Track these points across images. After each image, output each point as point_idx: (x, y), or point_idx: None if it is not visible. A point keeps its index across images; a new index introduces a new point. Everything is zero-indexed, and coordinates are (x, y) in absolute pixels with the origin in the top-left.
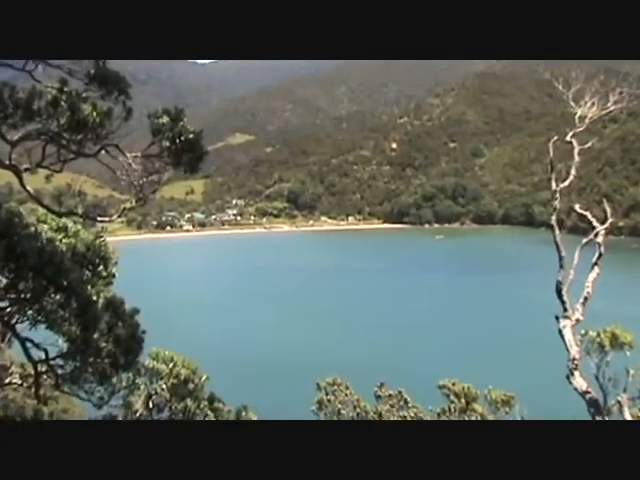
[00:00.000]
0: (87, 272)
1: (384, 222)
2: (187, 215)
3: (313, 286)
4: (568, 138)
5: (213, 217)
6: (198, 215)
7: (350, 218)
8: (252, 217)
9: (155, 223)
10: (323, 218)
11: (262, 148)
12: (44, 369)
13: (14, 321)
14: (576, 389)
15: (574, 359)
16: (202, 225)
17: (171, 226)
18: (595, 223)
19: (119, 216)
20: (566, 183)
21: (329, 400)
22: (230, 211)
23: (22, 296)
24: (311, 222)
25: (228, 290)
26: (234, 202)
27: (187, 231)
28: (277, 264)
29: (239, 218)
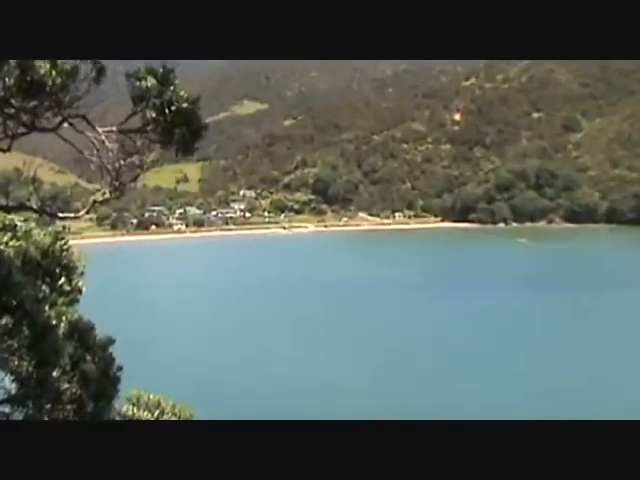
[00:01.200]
0: (43, 286)
1: (442, 220)
2: (179, 211)
3: (346, 308)
4: None
5: (213, 214)
6: (193, 211)
7: (397, 215)
8: (266, 214)
9: (135, 221)
10: (361, 215)
11: (279, 121)
12: None
13: None
14: None
15: None
16: (199, 224)
17: (157, 225)
18: None
19: (87, 212)
20: None
21: None
22: (236, 205)
23: None
24: (344, 220)
25: (232, 312)
26: (242, 193)
27: (179, 232)
28: (298, 277)
29: (248, 215)
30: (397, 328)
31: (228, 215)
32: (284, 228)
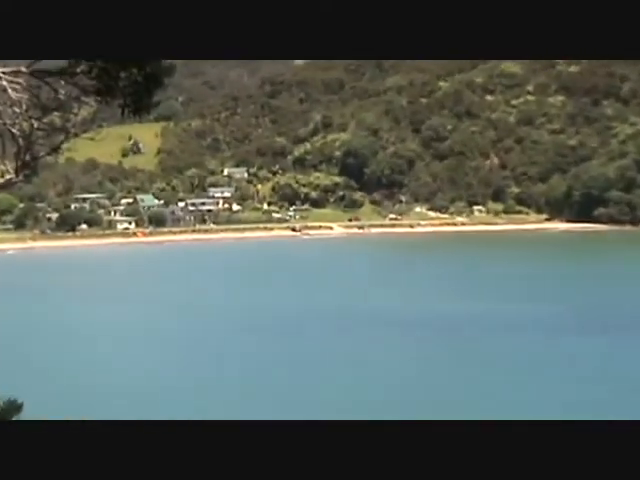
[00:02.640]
0: None
1: (550, 218)
2: (125, 201)
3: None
4: None
5: (181, 206)
6: (149, 201)
7: (477, 210)
8: (265, 206)
9: (55, 217)
10: (418, 209)
11: None
12: None
13: None
14: None
15: None
16: (158, 223)
17: (90, 224)
18: None
19: None
20: None
21: None
22: (218, 193)
23: None
24: (391, 218)
25: (204, 379)
26: (226, 173)
27: (125, 235)
28: (325, 312)
29: (237, 208)
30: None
31: (205, 208)
32: (294, 230)
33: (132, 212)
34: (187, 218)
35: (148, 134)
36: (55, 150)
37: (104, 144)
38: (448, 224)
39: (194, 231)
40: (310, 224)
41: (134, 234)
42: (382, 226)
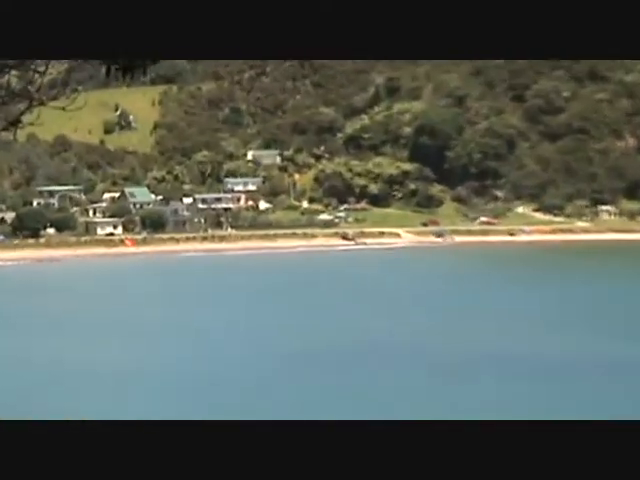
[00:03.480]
0: None
1: None
2: (109, 195)
3: None
4: None
5: (187, 202)
6: (142, 196)
7: (605, 211)
8: (305, 204)
9: (11, 217)
10: (521, 210)
11: None
12: None
13: None
14: None
15: None
16: (153, 226)
17: (59, 228)
18: None
19: None
20: None
21: None
22: (240, 185)
23: None
24: (482, 221)
25: None
26: (250, 156)
27: (110, 243)
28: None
29: (266, 207)
30: None
31: (220, 206)
32: (345, 238)
33: (118, 211)
34: (195, 220)
35: (142, 102)
36: (12, 124)
37: (80, 116)
38: (563, 231)
39: (205, 239)
40: (368, 230)
41: (121, 242)
42: (470, 233)
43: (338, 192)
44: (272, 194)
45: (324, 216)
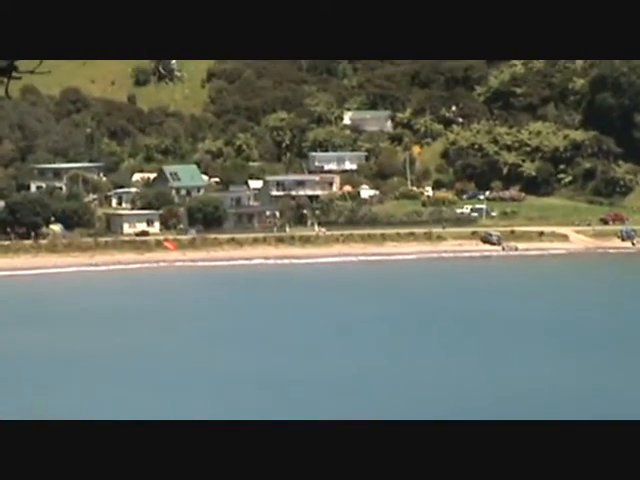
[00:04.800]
0: None
1: None
2: (140, 176)
3: None
4: None
5: (256, 187)
6: (187, 177)
7: None
8: (429, 190)
9: (1, 207)
10: None
11: None
12: None
13: None
14: None
15: None
16: (209, 222)
17: (68, 224)
18: None
19: None
20: None
21: None
22: (333, 161)
23: None
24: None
25: None
26: (347, 120)
27: (143, 247)
28: None
29: (372, 193)
30: None
31: (304, 193)
32: (488, 242)
33: (155, 200)
34: (268, 214)
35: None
36: (2, 72)
37: (99, 61)
38: None
39: (281, 241)
40: (521, 229)
41: (158, 245)
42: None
43: (477, 174)
44: (380, 176)
45: (457, 209)
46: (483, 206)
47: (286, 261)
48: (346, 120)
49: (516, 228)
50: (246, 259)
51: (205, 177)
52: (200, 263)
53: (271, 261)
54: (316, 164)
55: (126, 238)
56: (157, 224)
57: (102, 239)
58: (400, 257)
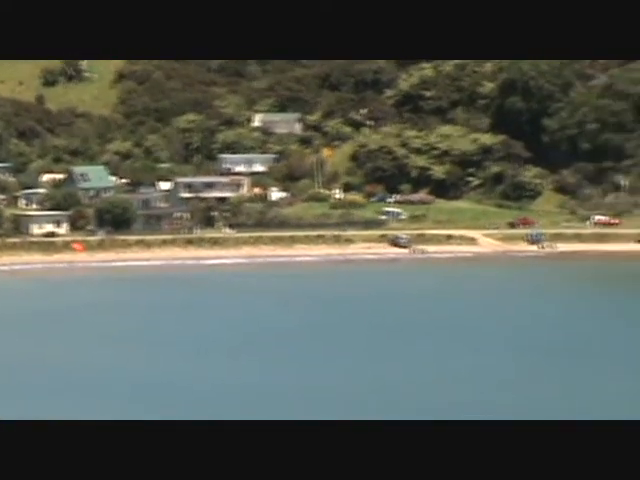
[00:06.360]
0: None
1: None
2: (49, 177)
3: None
4: None
5: (165, 189)
6: (96, 178)
7: None
8: (338, 193)
9: None
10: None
11: None
12: None
13: None
14: None
15: None
16: (118, 223)
17: None
18: None
19: None
20: None
21: None
22: (242, 163)
23: None
24: (598, 221)
25: None
26: (257, 122)
27: (51, 248)
28: None
29: (281, 195)
30: None
31: (213, 195)
32: (397, 245)
33: (63, 201)
34: (176, 215)
35: None
36: None
37: (7, 62)
38: None
39: (190, 243)
40: (430, 232)
41: (66, 246)
42: (580, 239)
43: (386, 177)
44: (289, 178)
45: (365, 212)
46: (392, 209)
47: (193, 262)
48: (256, 122)
49: (425, 231)
50: (152, 262)
51: (114, 178)
52: (108, 264)
53: (178, 262)
54: (225, 166)
55: (34, 239)
56: (65, 225)
57: (9, 240)
58: (308, 259)
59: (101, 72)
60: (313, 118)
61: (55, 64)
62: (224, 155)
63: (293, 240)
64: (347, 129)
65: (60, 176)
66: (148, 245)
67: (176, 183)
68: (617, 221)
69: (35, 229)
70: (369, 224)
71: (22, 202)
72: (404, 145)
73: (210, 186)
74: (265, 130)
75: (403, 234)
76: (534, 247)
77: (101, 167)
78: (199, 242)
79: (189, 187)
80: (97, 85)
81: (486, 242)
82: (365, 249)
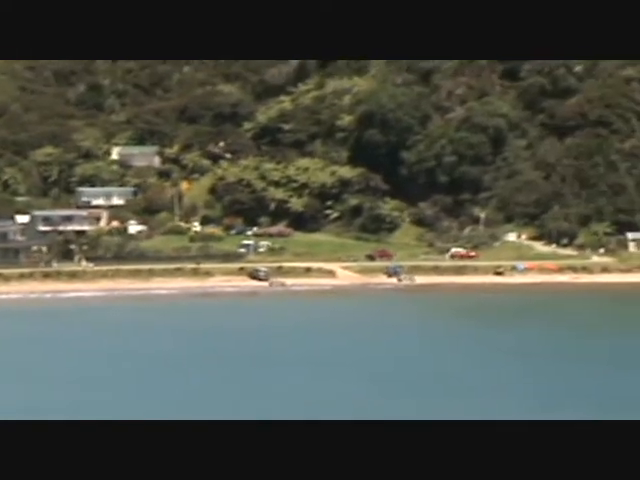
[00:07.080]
0: None
1: None
2: None
3: None
4: None
5: (22, 222)
6: None
7: (635, 242)
8: (197, 226)
9: None
10: (512, 238)
11: None
12: None
13: None
14: None
15: None
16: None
17: None
18: None
19: None
20: None
21: None
22: (100, 196)
23: None
24: (454, 253)
25: None
26: (115, 155)
27: None
28: None
29: (139, 229)
30: None
31: (71, 228)
32: (255, 278)
33: None
34: (34, 248)
35: None
36: None
37: None
38: (574, 270)
39: (47, 276)
40: (288, 264)
41: None
42: (438, 271)
43: (245, 209)
44: (148, 211)
45: (224, 244)
46: (251, 242)
47: (51, 296)
48: (114, 155)
49: (284, 264)
50: (12, 293)
51: None
52: None
53: (36, 296)
54: (84, 199)
55: None
56: None
57: None
58: (165, 292)
59: None
60: (171, 151)
61: None
62: (82, 188)
63: (151, 273)
64: (205, 162)
65: None
66: (6, 279)
67: (34, 216)
68: (474, 254)
69: None
70: (228, 257)
71: None
72: (262, 178)
73: (68, 219)
74: (123, 163)
75: (262, 267)
76: (393, 280)
77: None
78: (57, 275)
79: (47, 220)
80: None
81: (345, 275)
82: (224, 282)
